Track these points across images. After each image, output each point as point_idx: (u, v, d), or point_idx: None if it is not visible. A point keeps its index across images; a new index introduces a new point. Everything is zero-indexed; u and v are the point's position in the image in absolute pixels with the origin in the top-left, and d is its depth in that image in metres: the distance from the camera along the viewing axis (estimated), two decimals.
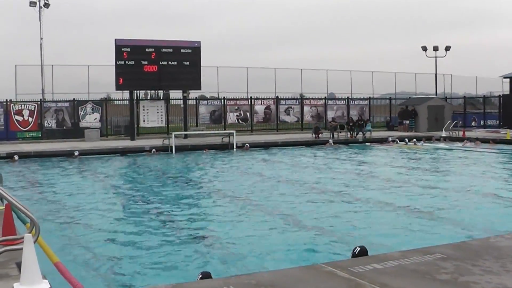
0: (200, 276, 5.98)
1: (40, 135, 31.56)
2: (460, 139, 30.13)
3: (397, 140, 30.63)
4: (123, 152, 26.12)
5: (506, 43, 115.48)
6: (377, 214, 11.48)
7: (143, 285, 7.22)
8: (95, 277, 7.59)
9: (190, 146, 27.72)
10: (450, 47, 45.44)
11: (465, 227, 9.97)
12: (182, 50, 31.29)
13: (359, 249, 6.54)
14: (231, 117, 36.37)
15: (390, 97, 43.01)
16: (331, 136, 31.52)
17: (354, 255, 6.39)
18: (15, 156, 23.73)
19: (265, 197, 13.80)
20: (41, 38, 37.68)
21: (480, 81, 53.51)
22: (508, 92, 38.50)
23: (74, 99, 33.27)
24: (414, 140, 30.21)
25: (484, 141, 28.83)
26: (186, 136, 30.68)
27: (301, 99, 39.55)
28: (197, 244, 9.27)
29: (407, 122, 36.98)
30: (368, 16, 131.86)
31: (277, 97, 39.22)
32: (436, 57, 45.72)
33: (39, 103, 32.28)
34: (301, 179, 17.11)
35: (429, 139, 31.33)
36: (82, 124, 32.49)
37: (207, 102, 37.25)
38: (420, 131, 34.91)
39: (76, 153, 24.64)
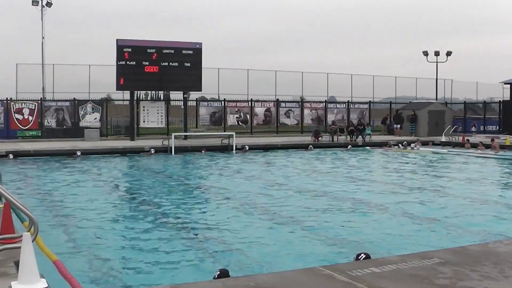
0: (218, 273, 6.05)
1: (40, 134, 31.52)
2: (460, 144, 30.04)
3: (399, 144, 30.59)
4: (123, 152, 26.11)
5: (507, 49, 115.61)
6: (376, 218, 11.46)
7: (140, 286, 7.22)
8: (95, 276, 7.57)
9: (189, 147, 27.71)
10: (451, 52, 45.28)
11: (464, 232, 9.97)
12: (184, 51, 31.26)
13: (364, 256, 6.53)
14: (231, 119, 36.35)
15: (390, 101, 42.99)
16: (331, 139, 31.62)
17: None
18: (10, 155, 23.70)
19: (263, 199, 13.78)
20: (43, 37, 37.79)
21: (481, 87, 53.60)
22: (509, 98, 38.51)
23: (74, 98, 33.21)
24: (412, 144, 30.18)
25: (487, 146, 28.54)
26: (186, 137, 30.65)
27: (302, 102, 39.51)
28: (196, 245, 9.25)
29: (398, 126, 37.07)
30: (369, 20, 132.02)
31: (278, 99, 39.27)
32: (437, 62, 45.59)
33: (39, 102, 32.25)
34: (300, 182, 17.09)
35: (428, 143, 31.30)
36: (82, 123, 32.46)
37: (208, 104, 37.26)
38: (420, 136, 34.88)
39: (79, 153, 24.57)
